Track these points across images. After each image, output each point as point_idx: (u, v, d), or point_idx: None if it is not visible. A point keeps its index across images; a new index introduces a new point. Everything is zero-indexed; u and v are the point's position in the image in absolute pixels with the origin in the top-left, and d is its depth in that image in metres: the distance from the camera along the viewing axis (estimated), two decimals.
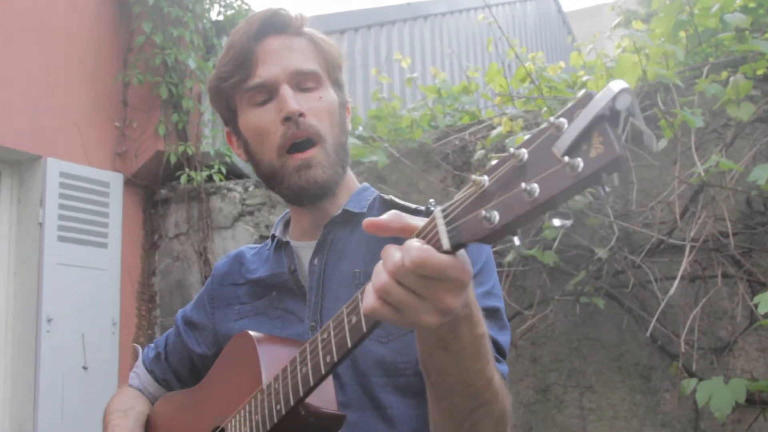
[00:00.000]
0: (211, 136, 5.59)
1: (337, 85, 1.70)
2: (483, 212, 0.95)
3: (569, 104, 0.90)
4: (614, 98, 0.84)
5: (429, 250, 1.02)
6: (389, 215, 1.11)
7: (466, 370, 1.23)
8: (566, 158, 0.86)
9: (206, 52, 5.66)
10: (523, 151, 0.93)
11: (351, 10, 7.70)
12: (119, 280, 5.26)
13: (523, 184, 0.90)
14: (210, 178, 5.39)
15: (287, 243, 1.71)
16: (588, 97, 0.87)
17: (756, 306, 3.33)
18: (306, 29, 1.68)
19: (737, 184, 3.46)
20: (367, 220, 1.12)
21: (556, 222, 0.95)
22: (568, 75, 4.69)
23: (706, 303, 3.53)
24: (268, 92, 1.60)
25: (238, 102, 1.65)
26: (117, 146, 5.41)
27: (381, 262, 1.08)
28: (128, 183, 5.43)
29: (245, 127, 1.65)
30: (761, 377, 3.41)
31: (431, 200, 1.34)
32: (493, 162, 0.99)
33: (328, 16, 7.33)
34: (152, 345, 2.02)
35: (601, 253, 3.58)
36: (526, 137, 0.94)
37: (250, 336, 1.53)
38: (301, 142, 1.58)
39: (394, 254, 1.05)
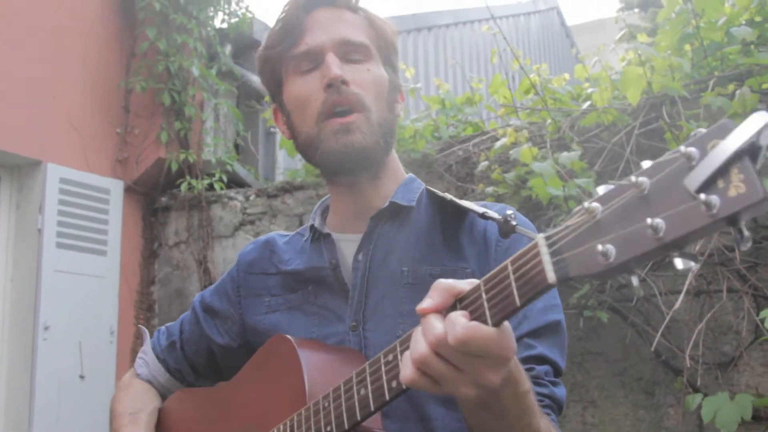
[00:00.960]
0: (212, 144, 5.56)
1: (389, 65, 1.63)
2: (599, 246, 0.86)
3: (700, 132, 0.81)
4: (759, 132, 0.76)
5: (475, 327, 0.98)
6: (436, 291, 1.06)
7: (511, 427, 1.17)
8: (702, 196, 0.76)
9: (209, 59, 5.64)
10: (645, 180, 0.83)
11: None
12: (118, 288, 5.22)
13: (648, 219, 0.81)
14: (211, 187, 5.35)
15: (328, 235, 1.59)
16: (726, 128, 0.78)
17: (762, 321, 3.31)
18: (361, 5, 1.62)
19: None
20: (419, 308, 1.05)
21: (679, 263, 0.84)
22: (573, 87, 4.67)
23: (711, 317, 3.49)
24: (314, 60, 1.54)
25: (284, 71, 1.59)
26: (118, 153, 5.38)
27: (420, 329, 1.04)
28: (128, 190, 5.39)
29: (289, 98, 1.58)
30: (766, 393, 3.37)
31: (510, 212, 1.26)
32: (602, 189, 0.89)
33: None
34: (163, 330, 1.88)
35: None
36: (647, 165, 0.85)
37: (290, 341, 1.43)
38: (342, 111, 1.49)
39: (435, 326, 1.01)
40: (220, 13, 5.81)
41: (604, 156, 3.84)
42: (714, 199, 0.76)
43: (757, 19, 3.70)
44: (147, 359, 1.85)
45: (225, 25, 5.85)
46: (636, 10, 21.59)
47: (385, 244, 1.54)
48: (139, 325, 2.85)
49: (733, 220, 0.77)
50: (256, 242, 1.78)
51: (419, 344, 1.02)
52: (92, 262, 5.07)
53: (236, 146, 6.00)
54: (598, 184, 3.67)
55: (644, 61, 3.33)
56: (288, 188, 5.07)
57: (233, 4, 5.81)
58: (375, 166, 1.56)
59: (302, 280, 1.61)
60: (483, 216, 1.39)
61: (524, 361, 1.34)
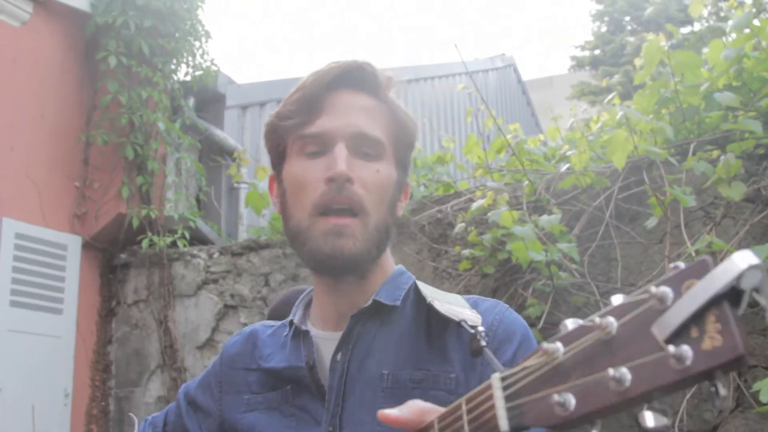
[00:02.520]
0: (174, 200, 5.41)
1: (402, 165, 1.54)
2: (555, 396, 0.77)
3: (675, 269, 0.72)
4: (740, 276, 0.67)
5: None
6: (407, 408, 1.03)
7: None
8: (671, 348, 0.68)
9: (172, 113, 5.51)
10: (612, 321, 0.74)
11: None
12: (73, 348, 5.00)
13: (610, 370, 0.72)
14: (173, 244, 5.19)
15: (306, 332, 1.50)
16: (704, 267, 0.70)
17: (746, 389, 3.25)
18: (387, 95, 1.52)
19: None
20: (382, 414, 1.03)
21: (649, 419, 0.73)
22: (547, 148, 4.64)
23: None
24: (322, 145, 1.44)
25: (290, 146, 1.49)
26: (76, 207, 5.20)
27: None
28: (86, 246, 5.20)
29: (288, 176, 1.49)
30: None
31: (480, 328, 1.19)
32: (569, 325, 0.80)
33: (293, 80, 7.22)
34: (150, 420, 1.77)
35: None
36: (617, 302, 0.76)
37: None
38: (341, 210, 1.40)
39: None
40: (184, 66, 5.70)
41: (584, 219, 3.79)
42: (685, 350, 0.67)
43: (736, 84, 3.70)
44: None
45: (189, 78, 5.73)
46: (587, 68, 22.07)
47: (365, 345, 1.45)
48: (130, 414, 2.66)
49: (707, 375, 0.68)
50: (241, 333, 1.69)
51: None
52: (47, 321, 4.86)
53: (198, 202, 5.86)
54: (579, 248, 3.64)
55: (628, 124, 3.28)
56: (253, 246, 4.93)
57: (198, 57, 5.70)
58: (363, 270, 1.48)
59: (281, 379, 1.52)
60: (459, 325, 1.34)
61: None
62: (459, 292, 4.03)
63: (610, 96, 4.07)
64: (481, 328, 1.19)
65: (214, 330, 4.86)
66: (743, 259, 0.68)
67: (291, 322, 1.56)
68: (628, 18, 22.45)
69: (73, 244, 5.10)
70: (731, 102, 3.40)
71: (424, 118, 8.63)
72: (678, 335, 0.69)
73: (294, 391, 1.49)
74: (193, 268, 5.05)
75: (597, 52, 22.07)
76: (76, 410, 4.98)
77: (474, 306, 1.46)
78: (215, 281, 4.96)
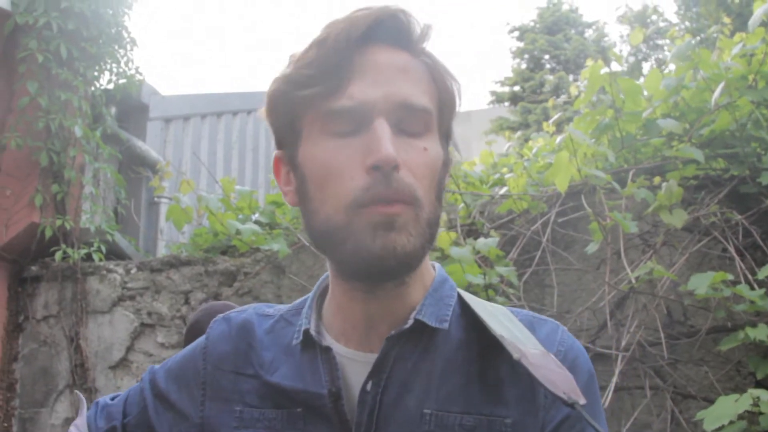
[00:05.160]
0: (91, 212, 5.16)
1: (446, 136, 1.22)
2: None
3: None
4: None
5: None
6: None
7: None
8: None
9: (93, 120, 5.27)
10: None
11: (246, 92, 7.47)
12: None
13: None
14: (88, 257, 4.93)
15: (328, 349, 1.19)
16: None
17: (682, 418, 3.22)
18: (426, 49, 1.19)
19: (667, 292, 3.37)
20: None
21: None
22: (481, 172, 4.59)
23: (628, 415, 3.38)
24: (357, 122, 1.11)
25: (309, 122, 1.15)
26: None
27: None
28: None
29: (309, 161, 1.15)
30: None
31: (579, 402, 1.02)
32: None
33: (223, 95, 7.09)
34: (102, 404, 1.40)
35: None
36: None
37: None
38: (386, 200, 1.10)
39: None
40: (108, 73, 5.47)
41: (519, 244, 3.73)
42: None
43: (674, 114, 3.71)
44: None
45: (112, 86, 5.51)
46: (506, 103, 22.41)
47: (402, 375, 1.16)
48: (76, 391, 2.43)
49: None
50: (229, 322, 1.33)
51: None
52: None
53: (116, 215, 5.61)
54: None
55: (575, 147, 3.23)
56: (174, 263, 4.72)
57: (122, 65, 5.48)
58: (413, 270, 1.16)
59: (289, 398, 1.20)
60: (572, 406, 1.07)
61: None
62: None
63: (555, 117, 4.03)
64: (582, 401, 0.99)
65: (129, 349, 4.62)
66: None
67: (306, 332, 1.23)
68: (547, 56, 22.92)
69: None
70: (674, 129, 3.40)
71: None
72: None
73: (306, 416, 1.19)
74: (108, 283, 4.80)
75: (516, 88, 22.43)
76: None
77: (530, 328, 1.21)
78: (132, 298, 4.72)
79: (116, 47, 5.39)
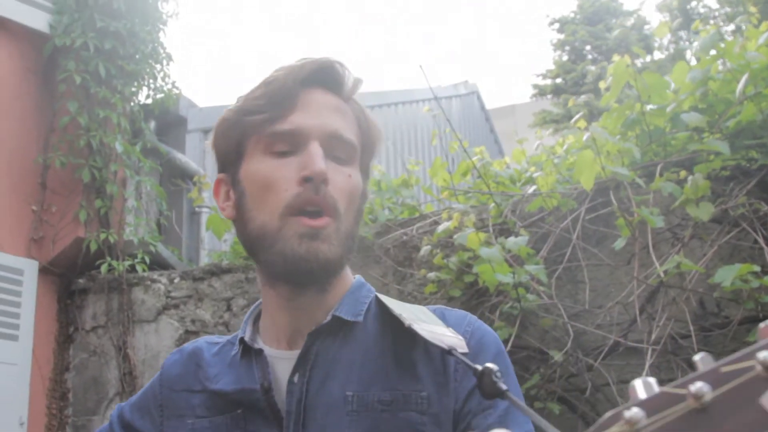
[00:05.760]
0: (134, 224, 5.30)
1: (365, 173, 1.46)
2: None
3: None
4: None
5: None
6: None
7: None
8: None
9: (133, 135, 5.42)
10: (705, 390, 0.63)
11: None
12: (29, 375, 4.85)
13: None
14: (132, 268, 5.07)
15: (260, 351, 1.38)
16: None
17: None
18: (355, 98, 1.44)
19: (696, 285, 3.37)
20: None
21: None
22: (512, 170, 4.61)
23: None
24: (294, 144, 1.33)
25: (253, 143, 1.36)
26: (33, 231, 5.07)
27: None
28: (43, 271, 5.06)
29: (250, 176, 1.35)
30: None
31: (492, 366, 1.08)
32: (641, 388, 0.68)
33: None
34: None
35: (557, 356, 3.42)
36: (705, 367, 0.65)
37: None
38: (314, 211, 1.29)
39: None
40: (145, 88, 5.61)
41: (550, 241, 3.76)
42: None
43: (701, 106, 3.71)
44: None
45: (150, 101, 5.64)
46: (549, 96, 22.29)
47: (325, 364, 1.34)
48: None
49: None
50: (181, 351, 1.55)
51: None
52: (2, 348, 4.71)
53: (159, 226, 5.75)
54: (546, 270, 3.60)
55: (599, 146, 3.26)
56: (215, 271, 4.83)
57: (159, 80, 5.62)
58: (326, 282, 1.36)
59: (231, 402, 1.38)
60: (449, 353, 1.23)
61: None
62: None
63: (577, 117, 4.05)
64: (494, 366, 1.07)
65: None
66: None
67: (241, 340, 1.43)
68: (588, 47, 22.74)
69: (30, 268, 4.96)
70: (698, 123, 3.40)
71: (388, 141, 8.61)
72: None
73: (246, 415, 1.36)
74: (153, 293, 4.94)
75: (558, 80, 22.30)
76: None
77: (441, 318, 1.39)
78: (176, 306, 4.85)
79: (152, 63, 5.53)
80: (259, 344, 1.41)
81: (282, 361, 1.37)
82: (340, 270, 1.37)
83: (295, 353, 1.35)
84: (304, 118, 1.34)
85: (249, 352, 1.40)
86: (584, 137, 3.68)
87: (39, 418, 4.92)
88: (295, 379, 1.33)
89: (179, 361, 1.52)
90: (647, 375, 3.27)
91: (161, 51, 5.60)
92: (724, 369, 0.64)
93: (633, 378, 2.86)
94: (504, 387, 1.06)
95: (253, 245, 1.36)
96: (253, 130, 1.36)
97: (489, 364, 1.08)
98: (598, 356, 3.44)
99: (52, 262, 5.09)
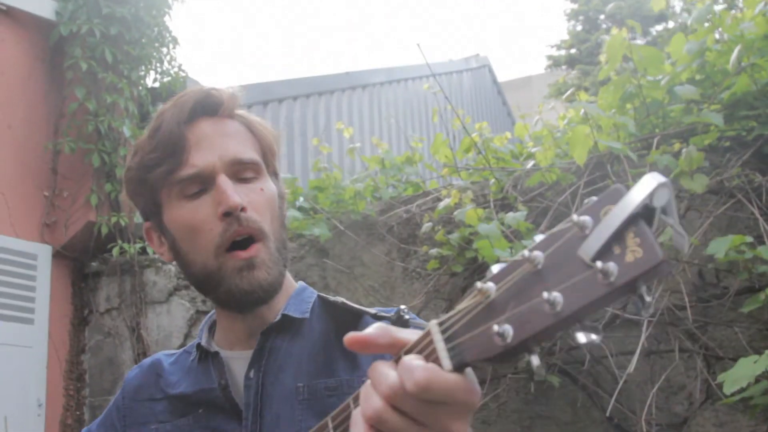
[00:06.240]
0: None
1: (275, 174, 1.54)
2: (495, 326, 0.80)
3: (592, 200, 0.79)
4: (652, 194, 0.74)
5: (435, 369, 0.85)
6: (375, 328, 0.94)
7: None
8: (599, 263, 0.73)
9: (141, 119, 5.49)
10: (539, 254, 0.79)
11: (290, 78, 7.63)
12: (46, 358, 4.97)
13: (544, 294, 0.76)
14: (143, 251, 5.17)
15: (216, 353, 1.48)
16: (618, 193, 0.76)
17: (713, 381, 3.26)
18: (239, 111, 1.51)
19: (693, 257, 3.41)
20: (350, 336, 0.95)
21: (581, 337, 0.79)
22: (514, 146, 4.64)
23: (663, 378, 3.44)
24: (203, 183, 1.40)
25: (165, 195, 1.44)
26: (45, 216, 5.17)
27: (369, 383, 0.91)
28: (57, 255, 5.17)
29: (174, 223, 1.43)
30: None
31: (403, 306, 1.25)
32: (496, 268, 0.84)
33: (267, 84, 7.24)
34: None
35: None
36: (540, 239, 0.80)
37: None
38: (242, 240, 1.39)
39: (388, 374, 0.88)
40: (152, 72, 5.68)
41: (550, 216, 3.80)
42: (611, 266, 0.73)
43: (698, 77, 3.72)
44: None
45: (157, 84, 5.71)
46: (564, 67, 22.16)
47: (278, 360, 1.45)
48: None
49: (632, 286, 0.73)
50: (141, 366, 1.65)
51: (371, 399, 0.89)
52: (18, 331, 4.82)
53: None
54: None
55: (591, 120, 3.29)
56: None
57: (165, 63, 5.69)
58: (278, 292, 1.46)
59: (191, 403, 1.48)
60: (375, 316, 1.39)
61: None
62: (429, 292, 4.05)
63: (569, 92, 4.07)
64: (402, 306, 1.23)
65: (187, 336, 4.84)
66: (653, 180, 0.75)
67: (198, 346, 1.54)
68: (602, 16, 22.57)
69: (44, 253, 5.07)
70: (692, 95, 3.42)
71: (391, 119, 8.64)
72: (602, 254, 0.74)
73: (207, 413, 1.46)
74: (164, 274, 5.03)
75: (573, 51, 22.15)
76: (50, 420, 4.95)
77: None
78: (186, 287, 4.94)
79: (158, 47, 5.59)
80: (215, 348, 1.51)
81: (237, 361, 1.48)
82: (281, 285, 1.46)
83: (249, 353, 1.46)
84: (202, 157, 1.41)
85: (206, 356, 1.51)
86: (581, 112, 3.71)
87: (57, 399, 5.04)
88: (251, 374, 1.43)
89: (140, 374, 1.62)
90: (644, 347, 3.33)
91: (167, 35, 5.67)
92: (549, 233, 0.80)
93: (632, 350, 2.90)
94: (407, 317, 1.25)
95: (201, 286, 1.46)
96: (160, 183, 1.43)
97: (401, 306, 1.25)
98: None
99: (65, 247, 5.19)
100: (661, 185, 0.75)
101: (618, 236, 0.73)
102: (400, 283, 4.20)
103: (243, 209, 1.37)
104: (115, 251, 5.08)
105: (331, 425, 1.04)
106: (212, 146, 1.42)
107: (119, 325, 5.09)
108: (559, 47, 22.79)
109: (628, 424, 3.49)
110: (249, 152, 1.45)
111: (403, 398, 0.86)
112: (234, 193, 1.37)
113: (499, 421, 3.80)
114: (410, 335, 0.93)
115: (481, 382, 3.77)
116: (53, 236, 5.18)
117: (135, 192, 1.50)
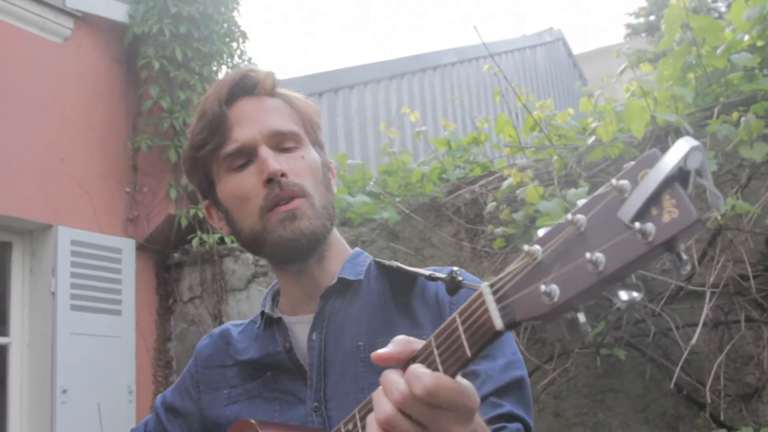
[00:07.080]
0: None
1: (318, 145, 1.63)
2: (542, 287, 0.85)
3: (630, 165, 0.83)
4: (685, 157, 0.78)
5: (441, 377, 0.96)
6: (396, 344, 1.06)
7: None
8: (637, 224, 0.78)
9: None
10: (581, 217, 0.84)
11: (360, 65, 7.73)
12: (134, 346, 5.21)
13: (587, 254, 0.81)
14: (222, 240, 5.35)
15: (279, 319, 1.57)
16: (653, 157, 0.80)
17: None
18: (279, 90, 1.61)
19: (755, 226, 3.38)
20: (375, 355, 1.05)
21: (623, 295, 0.83)
22: (578, 121, 4.64)
23: (731, 349, 3.43)
24: (247, 156, 1.52)
25: (216, 170, 1.57)
26: (128, 212, 5.41)
27: (381, 390, 1.01)
28: (140, 248, 5.41)
29: (225, 196, 1.56)
30: None
31: (455, 268, 1.31)
32: (542, 231, 0.90)
33: (337, 71, 7.34)
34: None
35: (620, 302, 3.48)
36: (582, 203, 0.86)
37: (254, 425, 1.41)
38: (286, 200, 1.49)
39: (398, 382, 0.99)
40: (224, 67, 5.84)
41: None
42: (649, 226, 0.77)
43: (759, 43, 3.67)
44: None
45: None
46: (643, 35, 21.66)
47: (338, 321, 1.53)
48: None
49: (670, 245, 0.77)
50: (211, 335, 1.76)
51: (383, 404, 1.00)
52: (107, 322, 5.06)
53: None
54: None
55: (646, 93, 3.29)
56: None
57: (236, 58, 5.84)
58: (322, 247, 1.55)
59: (259, 368, 1.59)
60: (430, 277, 1.44)
61: (494, 420, 1.32)
62: (497, 270, 4.10)
63: (621, 67, 4.05)
64: (455, 268, 1.29)
65: None
66: (686, 144, 0.78)
67: (262, 314, 1.62)
68: None
69: (128, 247, 5.30)
70: (749, 62, 3.38)
71: (461, 99, 8.64)
72: (640, 216, 0.78)
73: (274, 376, 1.56)
74: (242, 263, 5.20)
75: (652, 17, 21.61)
76: (141, 406, 5.18)
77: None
78: (264, 274, 5.10)
79: (228, 42, 5.75)
80: (278, 314, 1.60)
81: (299, 325, 1.57)
82: (326, 236, 1.54)
83: (311, 316, 1.55)
84: (243, 132, 1.52)
85: (270, 323, 1.60)
86: (639, 86, 3.70)
87: (146, 386, 5.28)
88: (314, 336, 1.53)
89: (210, 343, 1.73)
90: (710, 318, 3.32)
91: (236, 30, 5.81)
92: (590, 197, 0.85)
93: (697, 321, 2.91)
94: (460, 278, 1.30)
95: (252, 247, 1.58)
96: (210, 160, 1.56)
97: (454, 268, 1.31)
98: (661, 301, 3.49)
99: (148, 239, 5.42)
100: (693, 148, 0.78)
101: (655, 198, 0.78)
102: (469, 263, 4.26)
103: (284, 174, 1.47)
104: (195, 242, 5.27)
105: (357, 416, 1.13)
106: (252, 122, 1.52)
107: (202, 312, 5.29)
108: (637, 15, 22.26)
109: (699, 395, 3.49)
110: (288, 124, 1.55)
111: (411, 404, 0.97)
112: (274, 161, 1.48)
113: (571, 395, 3.84)
114: (420, 344, 1.04)
115: (549, 358, 3.82)
116: (136, 230, 5.41)
117: (190, 171, 1.62)
